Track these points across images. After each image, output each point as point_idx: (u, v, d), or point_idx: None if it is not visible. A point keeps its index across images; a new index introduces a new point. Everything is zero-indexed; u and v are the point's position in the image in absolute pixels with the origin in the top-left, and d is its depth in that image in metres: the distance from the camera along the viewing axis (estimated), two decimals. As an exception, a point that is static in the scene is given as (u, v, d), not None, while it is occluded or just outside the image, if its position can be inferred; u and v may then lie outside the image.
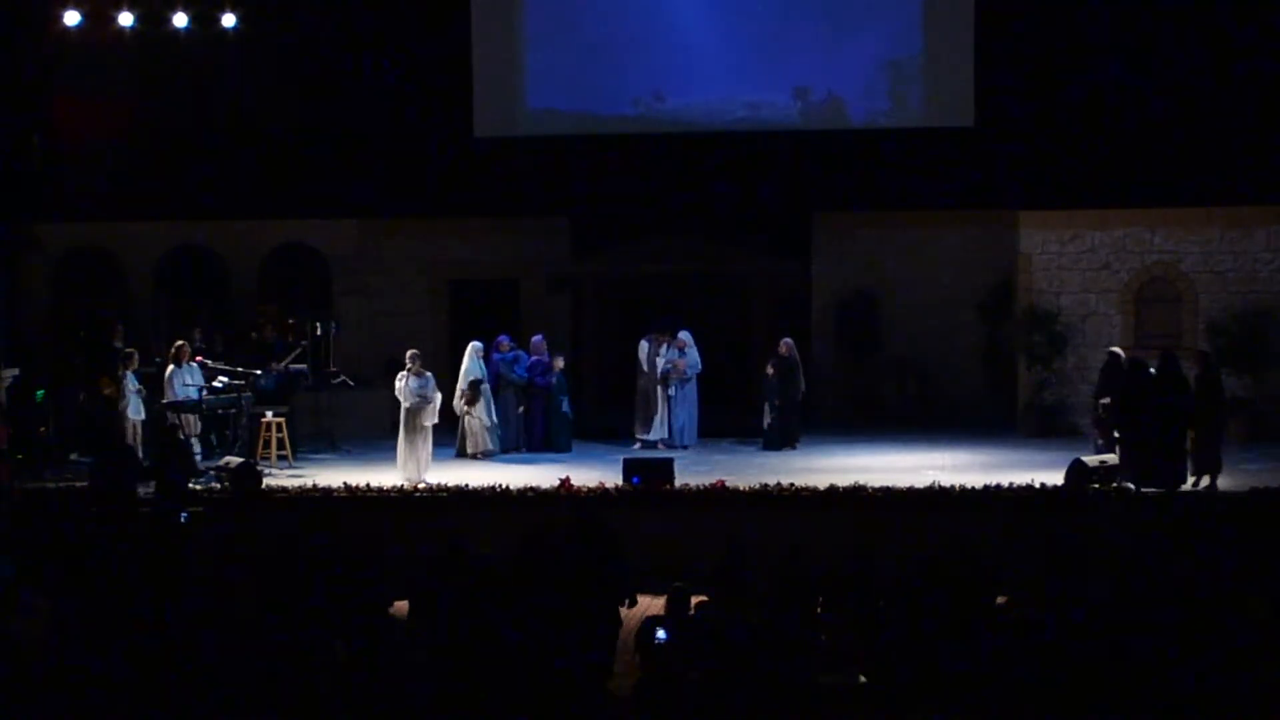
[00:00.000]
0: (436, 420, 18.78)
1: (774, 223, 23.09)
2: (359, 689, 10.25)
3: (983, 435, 20.79)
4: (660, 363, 20.60)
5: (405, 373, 18.82)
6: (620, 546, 13.73)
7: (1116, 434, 17.61)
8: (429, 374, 18.93)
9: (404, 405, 18.67)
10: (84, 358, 21.03)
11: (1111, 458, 17.29)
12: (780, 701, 10.07)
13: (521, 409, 20.50)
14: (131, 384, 18.95)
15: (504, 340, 20.81)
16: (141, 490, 17.40)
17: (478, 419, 20.06)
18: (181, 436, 18.93)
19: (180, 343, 19.70)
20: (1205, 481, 17.12)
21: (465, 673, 10.34)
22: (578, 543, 13.52)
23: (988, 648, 10.53)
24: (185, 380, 19.33)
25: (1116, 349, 19.39)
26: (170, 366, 19.32)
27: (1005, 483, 17.19)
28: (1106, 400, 18.26)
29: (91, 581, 13.00)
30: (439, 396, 18.86)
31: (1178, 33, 22.18)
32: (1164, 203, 21.86)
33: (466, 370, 20.20)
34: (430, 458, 18.62)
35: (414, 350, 19.15)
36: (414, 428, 18.52)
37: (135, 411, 18.89)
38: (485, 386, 20.13)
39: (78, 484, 17.82)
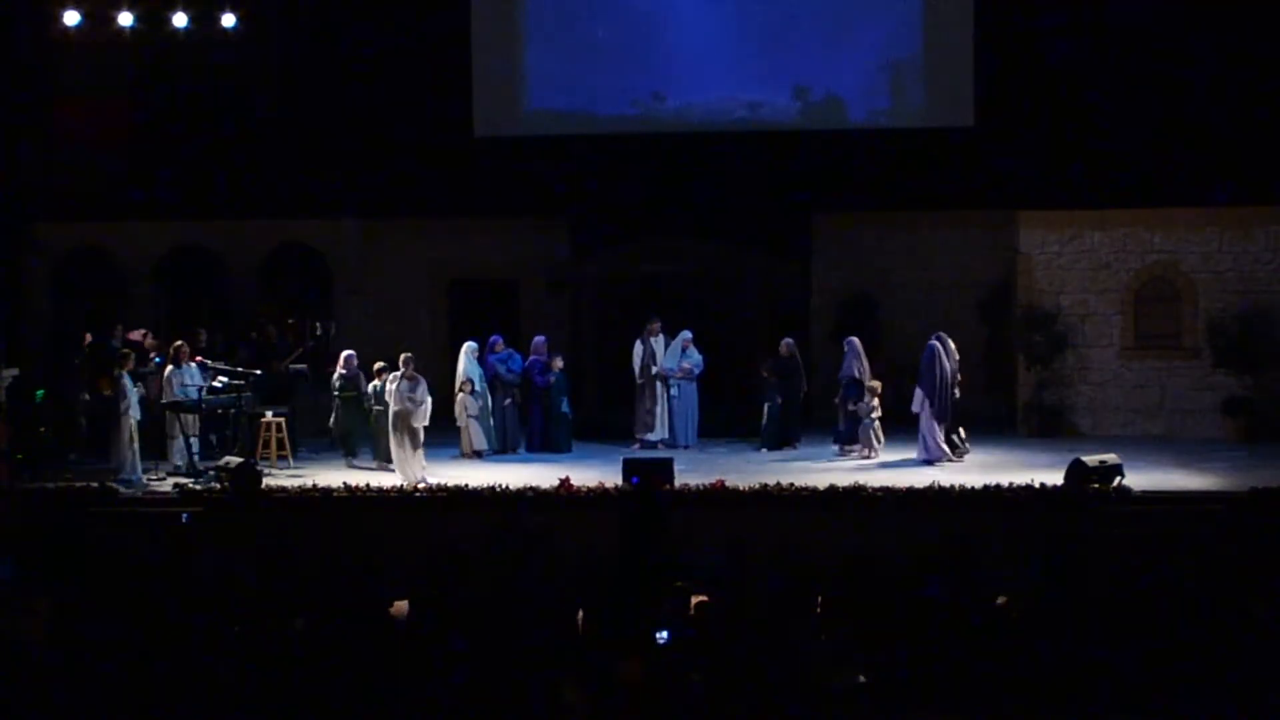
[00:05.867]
0: (427, 423, 18.65)
1: (774, 223, 23.07)
2: (359, 689, 10.23)
3: (983, 435, 20.76)
4: (658, 355, 20.55)
5: (398, 375, 18.75)
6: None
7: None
8: (421, 378, 18.83)
9: (393, 408, 18.60)
10: (84, 358, 21.01)
11: (1112, 457, 17.30)
12: (780, 701, 10.05)
13: (508, 401, 20.39)
14: (129, 384, 18.94)
15: (498, 341, 20.79)
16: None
17: (469, 418, 20.04)
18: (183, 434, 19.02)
19: (179, 343, 19.65)
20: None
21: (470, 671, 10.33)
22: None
23: (988, 648, 10.52)
24: (184, 380, 19.31)
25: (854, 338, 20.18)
26: (169, 367, 19.30)
27: (1005, 483, 17.20)
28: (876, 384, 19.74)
29: (91, 581, 12.99)
30: (429, 400, 18.73)
31: (1177, 33, 22.17)
32: (1164, 203, 21.85)
33: (463, 370, 20.19)
34: (423, 458, 18.58)
35: (408, 354, 19.05)
36: (402, 430, 18.45)
37: (133, 412, 18.88)
38: (476, 387, 20.09)
39: (78, 484, 17.82)
